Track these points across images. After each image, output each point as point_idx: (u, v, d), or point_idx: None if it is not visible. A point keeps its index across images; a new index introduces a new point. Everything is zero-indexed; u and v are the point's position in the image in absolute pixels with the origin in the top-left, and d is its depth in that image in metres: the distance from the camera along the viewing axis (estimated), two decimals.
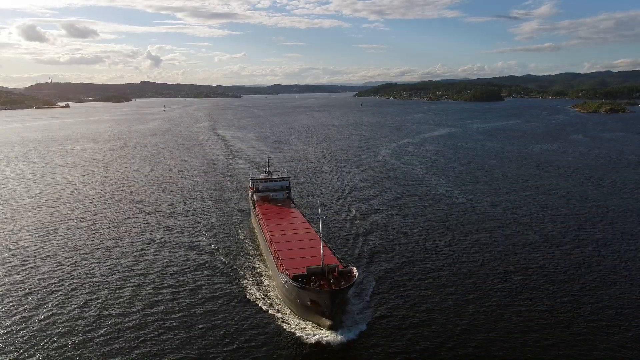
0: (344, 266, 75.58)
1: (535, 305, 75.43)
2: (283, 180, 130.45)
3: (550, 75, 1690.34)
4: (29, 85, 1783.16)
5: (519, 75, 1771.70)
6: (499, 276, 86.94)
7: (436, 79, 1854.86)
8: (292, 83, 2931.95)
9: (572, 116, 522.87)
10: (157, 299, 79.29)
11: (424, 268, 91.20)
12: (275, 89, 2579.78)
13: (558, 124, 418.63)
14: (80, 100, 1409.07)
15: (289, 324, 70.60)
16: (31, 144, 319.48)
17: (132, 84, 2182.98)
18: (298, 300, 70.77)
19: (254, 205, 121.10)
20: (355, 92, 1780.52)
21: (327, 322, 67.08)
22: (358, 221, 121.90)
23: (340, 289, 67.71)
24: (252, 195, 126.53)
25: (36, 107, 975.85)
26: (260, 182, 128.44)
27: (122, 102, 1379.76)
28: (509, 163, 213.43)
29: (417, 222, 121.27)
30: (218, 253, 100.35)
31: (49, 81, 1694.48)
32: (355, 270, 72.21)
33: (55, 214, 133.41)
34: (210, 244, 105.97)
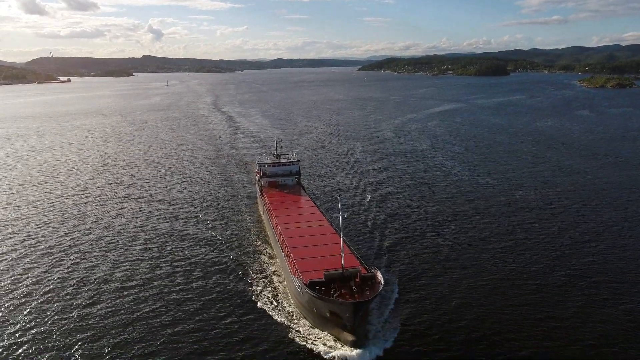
0: (367, 270, 65.54)
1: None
2: (292, 164, 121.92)
3: (557, 49, 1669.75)
4: (30, 59, 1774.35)
5: (526, 49, 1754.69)
6: (536, 271, 78.35)
7: (441, 53, 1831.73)
8: (294, 57, 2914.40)
9: (579, 91, 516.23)
10: (152, 299, 71.07)
11: (450, 263, 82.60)
12: (278, 63, 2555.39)
13: (564, 99, 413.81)
14: (81, 75, 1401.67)
15: (302, 334, 61.85)
16: (34, 119, 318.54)
17: (133, 58, 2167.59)
18: (315, 310, 61.84)
19: (261, 192, 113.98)
20: (359, 67, 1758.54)
21: (350, 338, 58.01)
22: (374, 209, 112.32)
23: (365, 301, 58.24)
24: (259, 180, 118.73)
25: (38, 82, 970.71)
26: (268, 166, 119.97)
27: (124, 76, 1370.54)
28: (514, 139, 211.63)
29: (438, 208, 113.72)
30: (221, 244, 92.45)
31: (50, 55, 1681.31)
32: (379, 275, 62.31)
33: (56, 190, 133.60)
34: (214, 234, 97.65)
